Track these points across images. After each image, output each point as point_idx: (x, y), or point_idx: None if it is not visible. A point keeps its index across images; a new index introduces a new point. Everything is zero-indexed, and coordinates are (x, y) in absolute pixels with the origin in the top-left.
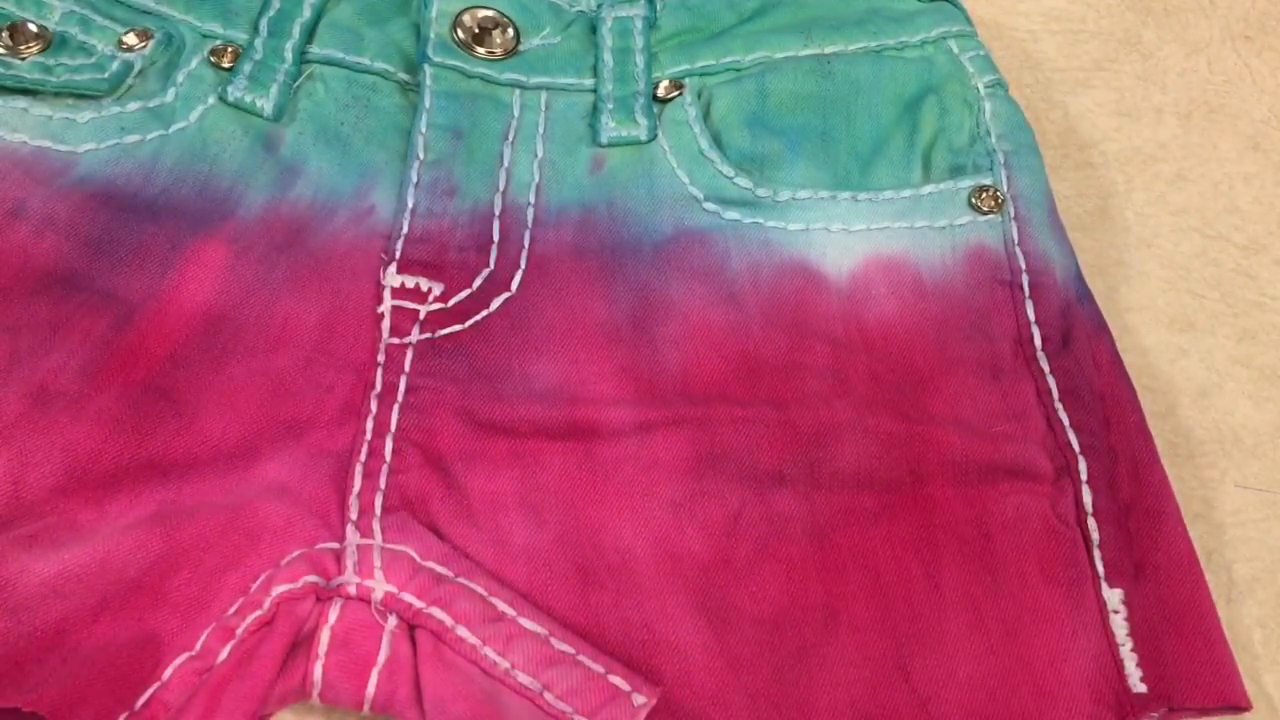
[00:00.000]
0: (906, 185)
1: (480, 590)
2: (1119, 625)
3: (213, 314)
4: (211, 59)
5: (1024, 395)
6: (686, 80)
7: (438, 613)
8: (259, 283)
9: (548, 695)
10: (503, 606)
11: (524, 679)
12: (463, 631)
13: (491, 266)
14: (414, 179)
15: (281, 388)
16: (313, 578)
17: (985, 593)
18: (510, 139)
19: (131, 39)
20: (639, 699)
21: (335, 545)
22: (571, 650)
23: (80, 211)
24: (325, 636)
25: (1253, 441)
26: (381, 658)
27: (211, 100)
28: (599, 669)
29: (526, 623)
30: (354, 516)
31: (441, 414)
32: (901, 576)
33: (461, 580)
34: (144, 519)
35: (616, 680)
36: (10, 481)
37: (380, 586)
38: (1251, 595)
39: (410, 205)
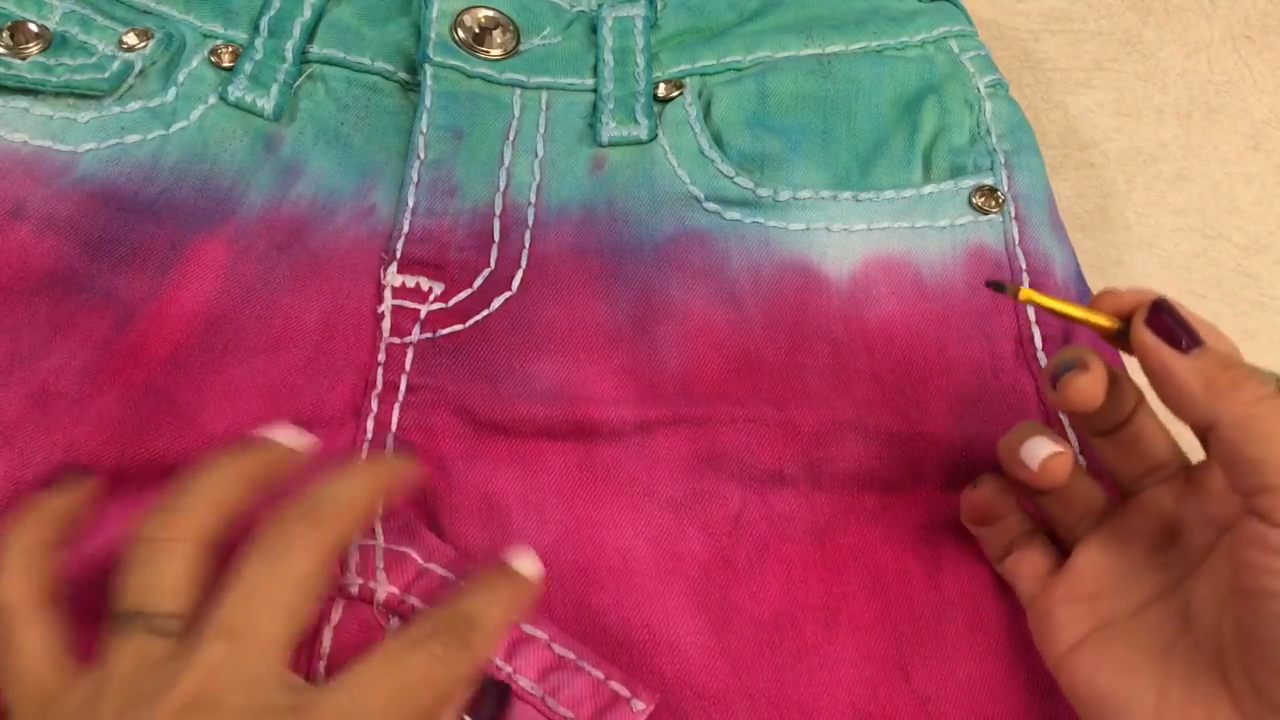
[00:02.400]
0: (907, 185)
1: None
2: None
3: (213, 314)
4: (212, 59)
5: (1025, 395)
6: (687, 80)
7: None
8: (259, 282)
9: (549, 701)
10: None
11: (525, 684)
12: None
13: (492, 266)
14: (414, 179)
15: (282, 387)
16: None
17: (985, 592)
18: (510, 139)
19: (132, 39)
20: (638, 705)
21: None
22: (573, 656)
23: (81, 211)
24: (328, 637)
25: None
26: None
27: (212, 100)
28: (599, 675)
29: (528, 628)
30: None
31: (442, 414)
32: (902, 576)
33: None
34: None
35: (616, 686)
36: (10, 482)
37: (383, 588)
38: None
39: (411, 205)
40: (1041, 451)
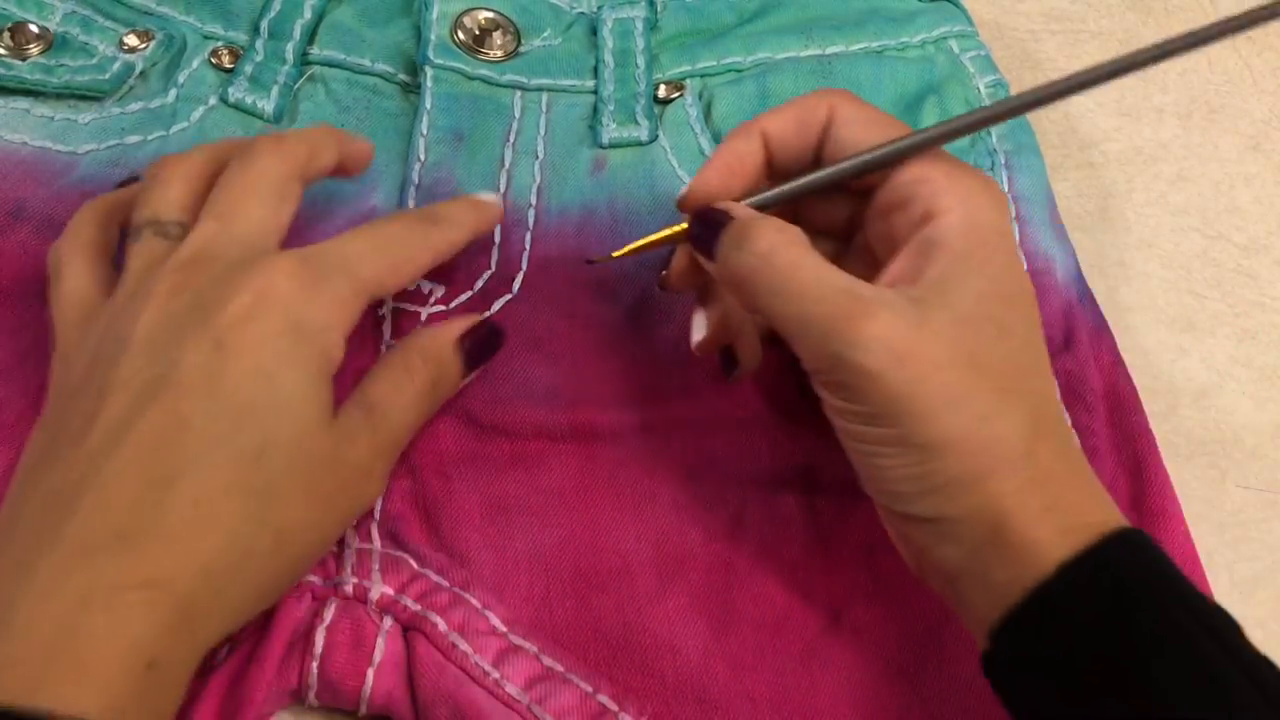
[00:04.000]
0: None
1: (475, 603)
2: None
3: None
4: (212, 60)
5: None
6: (687, 81)
7: (433, 616)
8: None
9: (535, 709)
10: (495, 621)
11: (513, 690)
12: (455, 638)
13: (493, 269)
14: (415, 181)
15: None
16: (309, 577)
17: None
18: (511, 141)
19: (132, 40)
20: (625, 719)
21: (333, 548)
22: (561, 668)
23: None
24: (321, 637)
25: (1253, 441)
26: (377, 657)
27: (213, 101)
28: (587, 688)
29: (517, 639)
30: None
31: (443, 417)
32: (903, 577)
33: (456, 590)
34: None
35: (605, 700)
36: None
37: (377, 587)
38: (1251, 595)
39: (411, 208)
40: (695, 335)
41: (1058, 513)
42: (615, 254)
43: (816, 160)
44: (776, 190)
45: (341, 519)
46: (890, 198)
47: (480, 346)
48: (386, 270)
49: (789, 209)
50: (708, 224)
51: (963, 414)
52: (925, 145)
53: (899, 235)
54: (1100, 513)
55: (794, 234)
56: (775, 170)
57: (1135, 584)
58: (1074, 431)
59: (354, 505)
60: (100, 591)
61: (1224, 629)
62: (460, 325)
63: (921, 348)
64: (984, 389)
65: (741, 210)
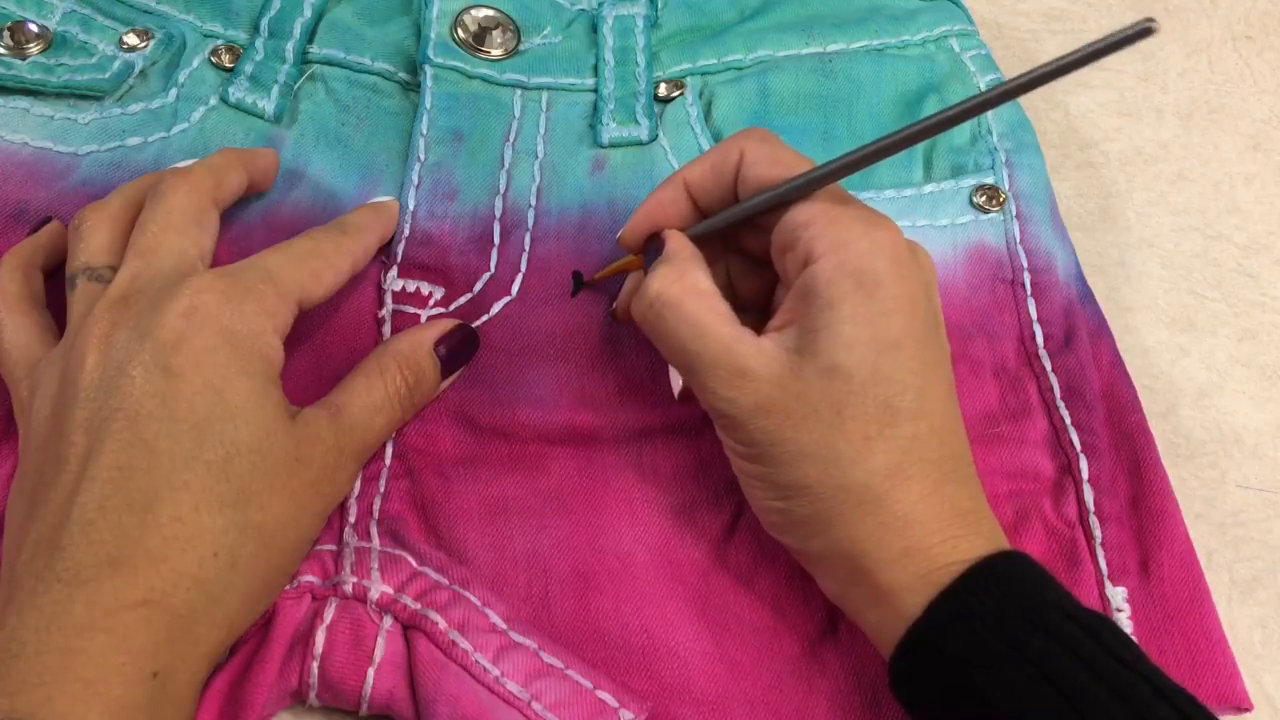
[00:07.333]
0: (908, 184)
1: (475, 601)
2: (1122, 624)
3: None
4: (212, 59)
5: (1026, 394)
6: (688, 80)
7: (433, 615)
8: None
9: (535, 705)
10: (494, 618)
11: (513, 687)
12: (455, 636)
13: (492, 270)
14: (415, 181)
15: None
16: (309, 577)
17: None
18: (511, 140)
19: (132, 39)
20: (626, 715)
21: (333, 548)
22: (560, 664)
23: None
24: (321, 637)
25: (1253, 441)
26: (378, 656)
27: (213, 101)
28: (587, 684)
29: (517, 636)
30: (352, 520)
31: (442, 419)
32: None
33: (456, 588)
34: None
35: (604, 696)
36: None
37: (376, 587)
38: (1251, 595)
39: (411, 208)
40: (675, 385)
41: (917, 556)
42: (597, 276)
43: (738, 199)
44: (694, 228)
45: (316, 515)
46: (781, 239)
47: (456, 351)
48: (307, 277)
49: (730, 238)
50: (649, 252)
51: (815, 463)
52: (804, 188)
53: (789, 276)
54: (961, 550)
55: (689, 281)
56: (704, 212)
57: (990, 620)
58: (966, 462)
59: (325, 502)
60: (100, 616)
61: (1087, 641)
62: (436, 330)
63: (783, 402)
64: (842, 438)
65: (675, 239)
